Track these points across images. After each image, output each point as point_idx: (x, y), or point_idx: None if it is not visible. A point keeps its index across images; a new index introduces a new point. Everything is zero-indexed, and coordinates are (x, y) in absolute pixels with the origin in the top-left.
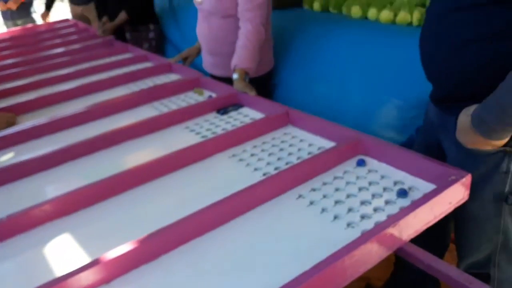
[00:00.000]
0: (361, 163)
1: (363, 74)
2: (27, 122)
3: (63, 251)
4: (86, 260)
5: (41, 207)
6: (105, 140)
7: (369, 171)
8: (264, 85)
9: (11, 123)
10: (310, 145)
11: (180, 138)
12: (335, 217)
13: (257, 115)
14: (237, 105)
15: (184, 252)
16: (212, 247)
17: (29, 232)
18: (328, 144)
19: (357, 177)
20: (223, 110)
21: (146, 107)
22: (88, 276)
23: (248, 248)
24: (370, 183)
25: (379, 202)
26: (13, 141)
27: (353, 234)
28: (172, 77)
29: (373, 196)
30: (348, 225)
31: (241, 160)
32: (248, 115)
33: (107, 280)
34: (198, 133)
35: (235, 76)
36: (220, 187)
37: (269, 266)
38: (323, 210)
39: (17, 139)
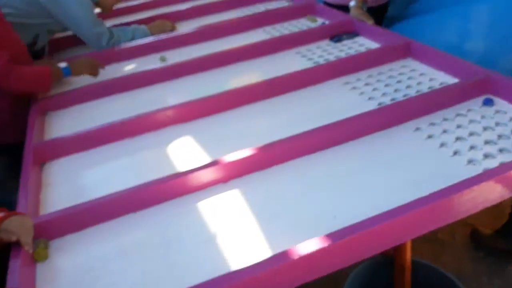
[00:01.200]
0: (488, 102)
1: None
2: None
3: (185, 151)
4: (206, 160)
5: (165, 111)
6: (222, 59)
7: (497, 111)
8: (380, 16)
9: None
10: (431, 79)
11: (291, 62)
12: (455, 153)
13: (373, 45)
14: (352, 33)
15: (294, 166)
16: (321, 165)
17: (154, 132)
18: (451, 80)
19: (482, 117)
20: (337, 37)
21: (258, 31)
22: (208, 174)
23: (358, 171)
24: (497, 124)
25: (506, 144)
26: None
27: (474, 170)
28: (285, 3)
29: (500, 137)
30: (469, 162)
31: (354, 88)
32: (363, 44)
33: (224, 180)
34: (310, 59)
35: (352, 3)
36: (332, 112)
37: (380, 190)
38: (442, 144)
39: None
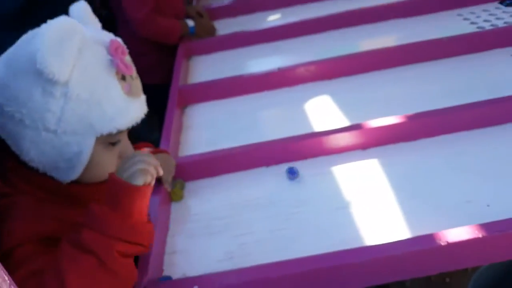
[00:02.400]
0: None
1: None
2: None
3: (324, 111)
4: (345, 123)
5: (307, 66)
6: (374, 14)
7: None
8: None
9: None
10: None
11: (451, 25)
12: None
13: None
14: None
15: (445, 142)
16: (477, 146)
17: (294, 87)
18: None
19: None
20: (508, 1)
21: None
22: (347, 138)
23: None
24: None
25: None
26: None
27: None
28: None
29: None
30: None
31: None
32: None
33: (364, 146)
34: (473, 23)
35: None
36: (495, 86)
37: None
38: None
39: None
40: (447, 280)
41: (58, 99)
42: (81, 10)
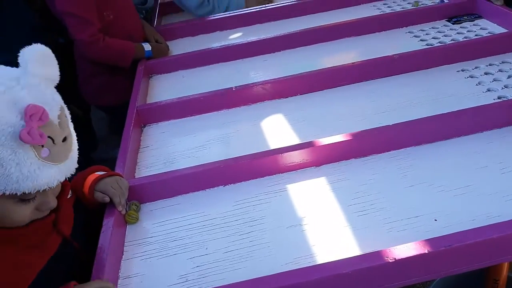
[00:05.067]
0: None
1: None
2: None
3: (279, 129)
4: (300, 141)
5: (263, 85)
6: (326, 33)
7: None
8: None
9: None
10: None
11: (401, 42)
12: None
13: (498, 29)
14: (473, 15)
15: (395, 158)
16: (426, 160)
17: (251, 106)
18: None
19: None
20: (455, 18)
21: (368, 6)
22: (301, 156)
23: (469, 170)
24: None
25: None
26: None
27: None
28: None
29: None
30: None
31: (471, 77)
32: (486, 28)
33: (317, 163)
34: (422, 40)
35: None
36: (443, 101)
37: (493, 196)
38: None
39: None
40: None
41: None
42: (31, 56)
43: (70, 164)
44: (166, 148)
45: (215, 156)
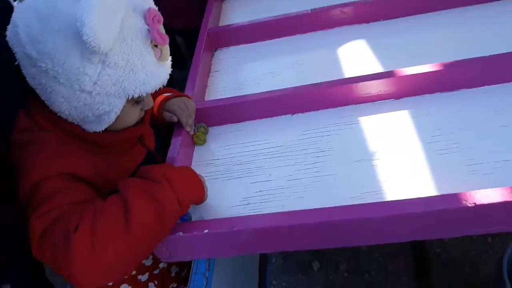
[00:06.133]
0: None
1: None
2: None
3: (356, 56)
4: (378, 70)
5: (342, 7)
6: None
7: None
8: None
9: None
10: None
11: None
12: None
13: None
14: None
15: (488, 93)
16: None
17: (327, 31)
18: None
19: None
20: None
21: None
22: (378, 86)
23: None
24: None
25: None
26: None
27: None
28: None
29: None
30: None
31: None
32: None
33: (397, 96)
34: None
35: None
36: None
37: None
38: None
39: None
40: (489, 240)
41: (95, 65)
42: None
43: (169, 63)
44: (236, 73)
45: (285, 83)
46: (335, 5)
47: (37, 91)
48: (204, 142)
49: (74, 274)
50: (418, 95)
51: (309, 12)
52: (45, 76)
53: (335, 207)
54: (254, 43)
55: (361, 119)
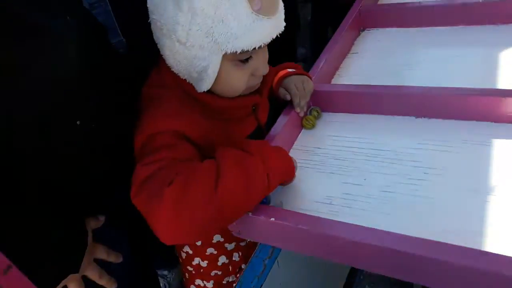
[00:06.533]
0: None
1: None
2: None
3: None
4: None
5: None
6: None
7: None
8: None
9: None
10: None
11: None
12: None
13: None
14: None
15: None
16: None
17: (498, 27)
18: None
19: None
20: None
21: None
22: None
23: None
24: None
25: None
26: None
27: None
28: None
29: None
30: None
31: None
32: None
33: None
34: None
35: None
36: None
37: None
38: None
39: None
40: None
41: (186, 13)
42: None
43: (279, 19)
44: (375, 59)
45: (423, 79)
46: None
47: (158, 46)
48: (313, 126)
49: (159, 226)
50: None
51: (480, 1)
52: (156, 28)
53: (416, 238)
54: (407, 28)
55: (495, 141)
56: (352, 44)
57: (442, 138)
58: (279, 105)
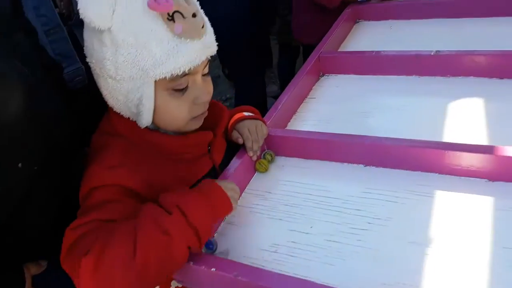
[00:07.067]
0: None
1: None
2: None
3: (465, 116)
4: (481, 140)
5: (475, 56)
6: None
7: None
8: None
9: None
10: None
11: None
12: None
13: None
14: None
15: None
16: None
17: (446, 79)
18: None
19: None
20: None
21: None
22: (471, 160)
23: None
24: None
25: None
26: None
27: None
28: None
29: None
30: None
31: None
32: None
33: (491, 177)
34: None
35: None
36: None
37: None
38: None
39: None
40: None
41: (110, 47)
42: None
43: (208, 42)
44: (332, 104)
45: (376, 127)
46: (466, 51)
47: (99, 89)
48: (266, 170)
49: None
50: None
51: (432, 54)
52: (92, 71)
53: None
54: (363, 76)
55: (438, 192)
56: (311, 88)
57: (388, 187)
58: (237, 147)
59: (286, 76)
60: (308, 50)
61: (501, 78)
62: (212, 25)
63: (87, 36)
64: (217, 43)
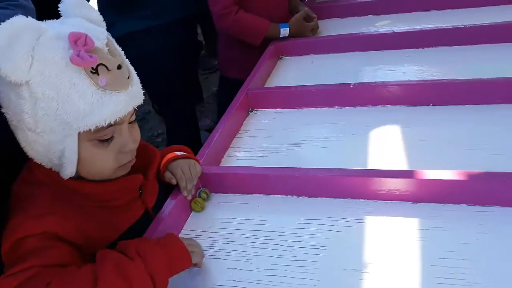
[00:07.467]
0: None
1: None
2: None
3: (386, 143)
4: (403, 165)
5: (389, 86)
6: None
7: None
8: None
9: None
10: None
11: None
12: None
13: None
14: None
15: None
16: None
17: (366, 108)
18: None
19: None
20: None
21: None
22: (394, 184)
23: None
24: None
25: None
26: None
27: None
28: None
29: None
30: None
31: None
32: None
33: (414, 199)
34: None
35: None
36: None
37: None
38: None
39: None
40: None
41: (28, 100)
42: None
43: (134, 92)
44: (263, 139)
45: (305, 158)
46: (383, 82)
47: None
48: (202, 209)
49: None
50: (439, 202)
51: (351, 86)
52: (9, 123)
53: None
54: (289, 109)
55: (367, 218)
56: (242, 123)
57: (321, 216)
58: (170, 188)
59: (223, 107)
60: (235, 84)
61: (415, 105)
62: (140, 62)
63: (2, 88)
64: (145, 80)
